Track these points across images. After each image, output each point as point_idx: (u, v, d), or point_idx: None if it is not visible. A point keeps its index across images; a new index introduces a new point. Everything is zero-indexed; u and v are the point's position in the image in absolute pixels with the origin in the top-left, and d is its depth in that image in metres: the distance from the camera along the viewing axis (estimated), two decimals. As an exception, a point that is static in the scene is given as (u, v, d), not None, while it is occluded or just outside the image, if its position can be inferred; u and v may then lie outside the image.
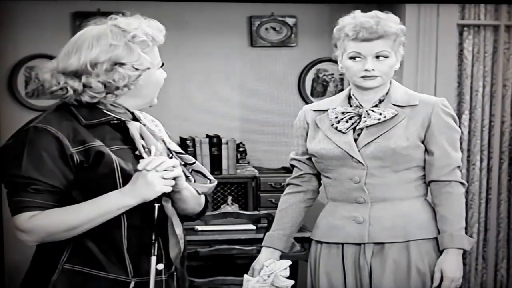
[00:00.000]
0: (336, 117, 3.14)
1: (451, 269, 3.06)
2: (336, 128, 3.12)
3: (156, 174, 2.34)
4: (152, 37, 2.50)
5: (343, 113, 3.14)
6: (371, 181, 3.08)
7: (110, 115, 2.44)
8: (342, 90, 5.95)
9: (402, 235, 3.08)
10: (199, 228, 5.30)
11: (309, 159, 3.24)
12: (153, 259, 2.39)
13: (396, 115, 3.09)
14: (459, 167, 3.14)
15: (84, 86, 2.39)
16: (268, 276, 3.09)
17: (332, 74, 5.96)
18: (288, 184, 3.32)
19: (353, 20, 3.10)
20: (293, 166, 3.32)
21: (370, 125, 3.09)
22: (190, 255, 4.78)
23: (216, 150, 5.59)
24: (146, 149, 2.42)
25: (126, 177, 2.38)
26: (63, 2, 5.40)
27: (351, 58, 3.08)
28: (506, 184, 5.65)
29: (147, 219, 2.40)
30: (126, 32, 2.43)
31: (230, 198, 5.62)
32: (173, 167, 2.38)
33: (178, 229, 2.49)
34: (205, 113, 5.76)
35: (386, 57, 3.07)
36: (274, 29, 5.89)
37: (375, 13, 3.11)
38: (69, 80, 2.40)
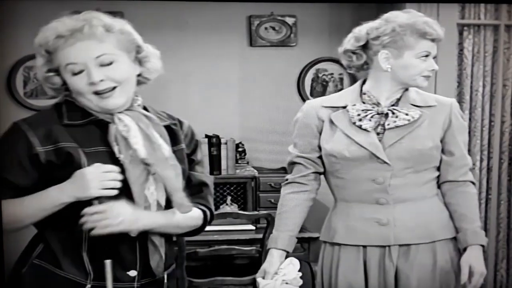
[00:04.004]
0: (359, 115, 3.06)
1: (479, 264, 3.05)
2: (360, 127, 3.04)
3: (95, 177, 2.36)
4: (53, 45, 2.49)
5: (363, 110, 3.06)
6: (394, 182, 3.03)
7: (93, 116, 2.47)
8: (341, 89, 5.96)
9: (427, 235, 3.05)
10: (199, 228, 5.29)
11: (319, 157, 3.15)
12: (108, 262, 2.40)
13: (420, 116, 3.05)
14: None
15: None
16: (290, 279, 3.03)
17: (332, 73, 5.95)
18: (290, 182, 3.20)
19: (419, 17, 3.05)
20: (294, 163, 3.20)
21: (399, 126, 3.03)
22: (189, 255, 4.78)
23: (215, 150, 5.58)
24: (119, 154, 2.44)
25: None
26: (63, 2, 5.38)
27: (421, 56, 3.02)
28: (506, 184, 5.64)
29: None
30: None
31: (229, 198, 5.61)
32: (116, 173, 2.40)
33: (155, 236, 2.50)
34: (204, 113, 5.75)
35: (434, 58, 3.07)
36: (273, 28, 5.88)
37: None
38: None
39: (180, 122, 2.70)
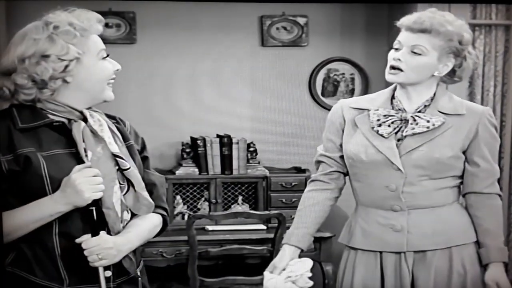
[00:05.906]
0: (378, 120, 3.02)
1: (505, 282, 3.06)
2: (377, 132, 3.01)
3: (84, 182, 2.35)
4: (82, 27, 2.47)
5: (385, 116, 3.02)
6: (408, 189, 2.99)
7: (49, 117, 2.44)
8: (353, 90, 5.97)
9: (444, 241, 3.01)
10: (210, 228, 5.30)
11: (342, 157, 3.11)
12: (101, 267, 2.44)
13: (443, 123, 2.99)
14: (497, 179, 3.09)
15: (14, 84, 2.41)
16: (296, 276, 3.01)
17: (343, 73, 5.95)
18: (313, 180, 3.18)
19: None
20: (319, 162, 3.18)
21: (417, 133, 2.98)
22: (200, 254, 4.79)
23: (227, 150, 5.59)
24: (87, 153, 2.43)
25: (58, 183, 2.39)
26: (74, 2, 5.40)
27: (392, 48, 3.00)
28: (517, 184, 5.64)
29: (81, 227, 2.42)
30: (49, 24, 2.43)
31: (240, 198, 5.62)
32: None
33: None
34: (216, 113, 5.76)
35: (420, 54, 2.96)
36: (285, 28, 5.89)
37: (445, 12, 3.00)
38: (5, 81, 2.42)
39: (122, 121, 2.66)
